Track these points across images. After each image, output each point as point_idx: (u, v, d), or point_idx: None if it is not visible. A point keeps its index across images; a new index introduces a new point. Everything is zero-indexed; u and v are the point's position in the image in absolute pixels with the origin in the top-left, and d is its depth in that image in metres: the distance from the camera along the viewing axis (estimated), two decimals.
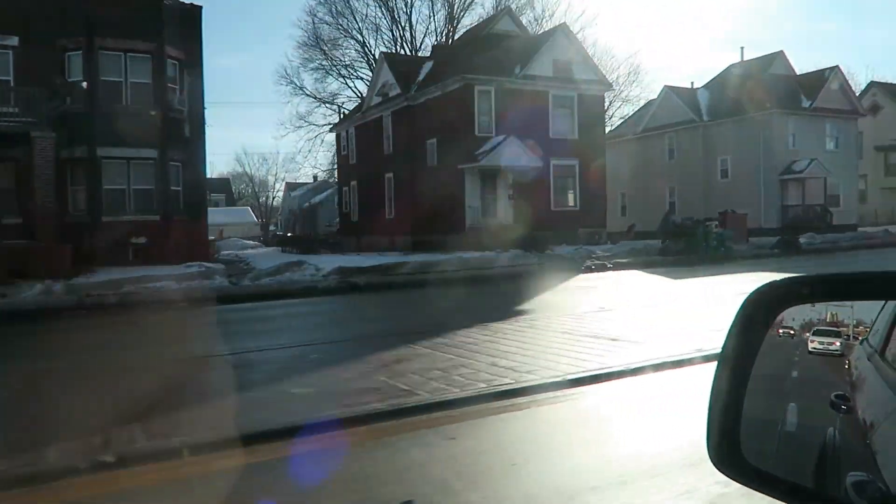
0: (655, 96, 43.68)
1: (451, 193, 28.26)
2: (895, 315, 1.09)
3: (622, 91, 53.36)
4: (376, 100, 34.63)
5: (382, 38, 49.54)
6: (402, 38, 48.78)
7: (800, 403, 1.11)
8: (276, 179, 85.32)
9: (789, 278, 1.12)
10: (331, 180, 53.57)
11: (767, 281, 1.13)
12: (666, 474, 3.71)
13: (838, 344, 1.12)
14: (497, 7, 44.77)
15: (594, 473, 3.82)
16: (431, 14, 60.17)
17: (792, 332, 1.12)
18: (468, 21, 47.15)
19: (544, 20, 47.73)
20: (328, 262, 21.54)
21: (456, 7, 48.69)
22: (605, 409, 5.38)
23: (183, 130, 22.13)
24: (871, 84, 50.40)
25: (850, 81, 40.50)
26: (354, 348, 8.23)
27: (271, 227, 73.01)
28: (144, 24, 20.62)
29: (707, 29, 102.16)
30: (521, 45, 30.71)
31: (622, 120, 50.10)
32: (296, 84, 51.71)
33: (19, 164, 19.18)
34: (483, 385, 5.69)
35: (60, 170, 19.69)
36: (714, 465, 1.07)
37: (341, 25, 48.38)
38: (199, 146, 22.97)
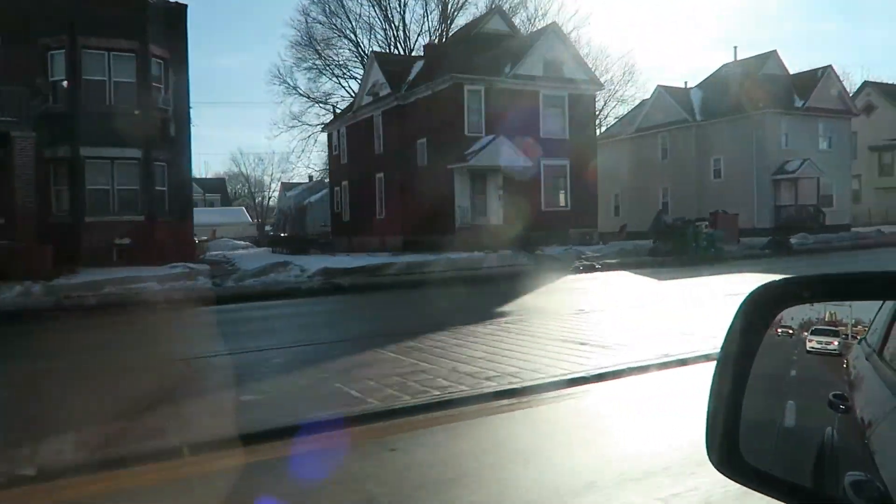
0: (649, 96, 43.56)
1: (441, 194, 28.08)
2: (893, 314, 1.10)
3: (617, 91, 53.32)
4: (367, 99, 34.46)
5: (376, 38, 49.42)
6: (395, 38, 48.65)
7: (798, 403, 1.12)
8: (272, 179, 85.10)
9: (788, 278, 1.11)
10: (325, 180, 53.40)
11: (765, 281, 1.12)
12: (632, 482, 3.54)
13: (836, 343, 1.12)
14: (491, 7, 44.61)
15: (544, 491, 3.66)
16: (425, 14, 60.14)
17: (790, 331, 1.12)
18: (462, 21, 47.02)
19: (537, 20, 47.60)
20: (315, 263, 21.38)
21: (450, 7, 48.54)
22: (563, 419, 5.21)
23: (168, 130, 21.93)
24: (866, 84, 50.25)
25: (845, 82, 40.49)
26: (320, 352, 8.07)
27: (267, 228, 72.85)
28: (128, 22, 20.43)
29: (703, 28, 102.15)
30: (512, 45, 30.54)
31: (617, 119, 49.98)
32: (289, 84, 51.56)
33: None
34: (437, 392, 5.52)
35: (43, 170, 19.51)
36: (713, 465, 1.07)
37: (335, 25, 48.27)
38: (184, 146, 22.78)
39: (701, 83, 41.29)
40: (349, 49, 49.37)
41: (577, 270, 20.27)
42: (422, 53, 38.63)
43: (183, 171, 23.03)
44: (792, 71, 38.58)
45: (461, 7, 48.55)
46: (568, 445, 4.46)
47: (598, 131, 45.20)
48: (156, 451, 4.21)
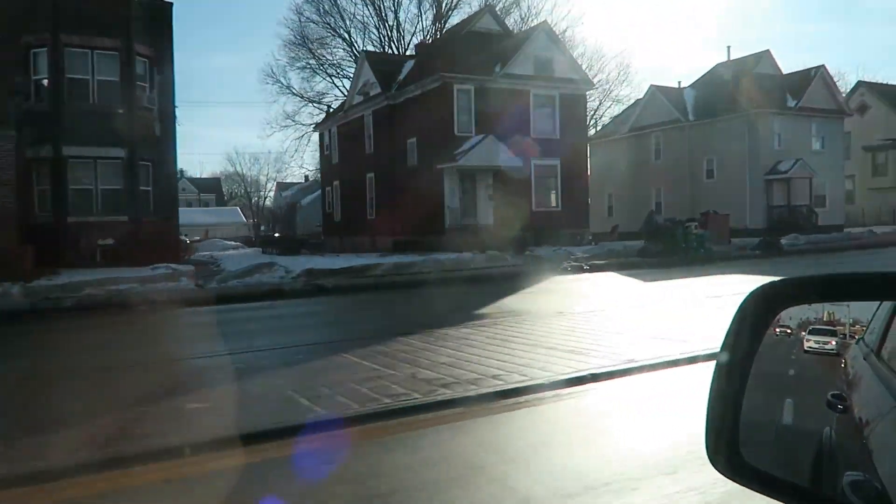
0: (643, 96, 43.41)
1: (430, 194, 27.90)
2: (891, 314, 1.10)
3: (612, 91, 53.18)
4: (358, 99, 34.27)
5: (370, 38, 49.25)
6: (389, 38, 48.48)
7: (796, 402, 1.13)
8: (267, 179, 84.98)
9: (787, 279, 1.12)
10: (319, 180, 53.24)
11: (765, 282, 1.10)
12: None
13: (834, 343, 1.12)
14: (483, 6, 44.44)
15: None
16: (420, 13, 59.89)
17: (789, 330, 1.12)
18: (457, 20, 46.85)
19: (531, 19, 47.38)
20: (301, 264, 21.21)
21: (444, 6, 48.36)
22: (509, 434, 5.03)
23: (153, 129, 21.74)
24: (860, 84, 50.12)
25: (840, 82, 40.40)
26: (286, 357, 7.88)
27: (262, 228, 72.72)
28: (112, 20, 20.24)
29: (699, 29, 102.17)
30: (503, 44, 30.35)
31: (611, 119, 49.85)
32: (282, 83, 51.41)
33: None
34: (388, 400, 5.34)
35: (25, 170, 19.30)
36: (713, 465, 1.07)
37: (329, 24, 48.12)
38: (170, 145, 22.58)
39: (694, 83, 41.15)
40: (343, 48, 49.27)
41: (565, 271, 20.12)
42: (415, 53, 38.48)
43: (168, 170, 22.85)
44: (785, 71, 38.46)
45: (455, 6, 48.41)
46: (511, 462, 4.28)
47: (592, 131, 45.10)
48: (77, 465, 4.02)
